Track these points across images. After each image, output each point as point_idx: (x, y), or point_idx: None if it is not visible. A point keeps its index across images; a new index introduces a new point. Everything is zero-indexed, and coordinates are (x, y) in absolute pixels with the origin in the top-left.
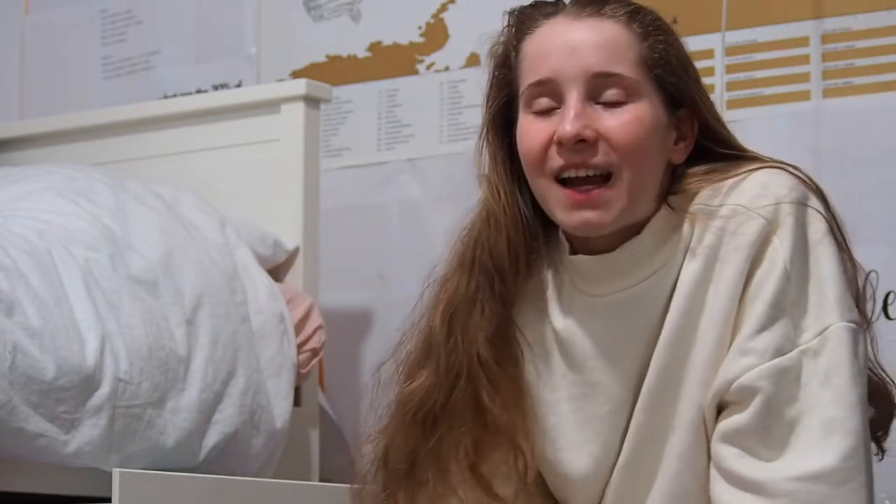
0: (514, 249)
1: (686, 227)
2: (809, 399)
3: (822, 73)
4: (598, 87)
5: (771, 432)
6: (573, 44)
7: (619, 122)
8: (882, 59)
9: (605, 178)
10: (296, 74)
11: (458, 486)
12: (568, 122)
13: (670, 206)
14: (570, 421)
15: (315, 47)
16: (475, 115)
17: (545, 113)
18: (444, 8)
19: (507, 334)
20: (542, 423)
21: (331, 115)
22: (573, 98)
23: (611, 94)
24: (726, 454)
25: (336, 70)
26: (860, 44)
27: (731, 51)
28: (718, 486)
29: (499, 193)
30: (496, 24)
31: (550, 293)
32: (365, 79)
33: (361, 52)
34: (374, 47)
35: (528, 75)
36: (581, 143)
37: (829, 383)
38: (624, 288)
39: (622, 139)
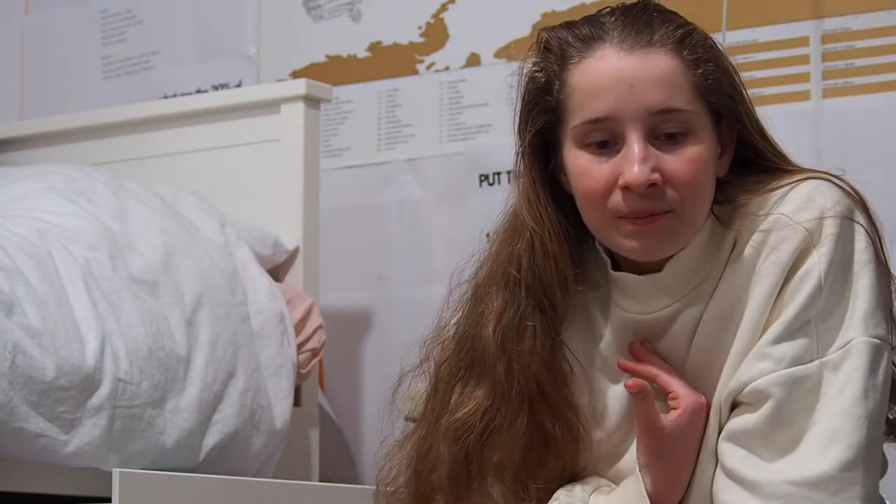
0: (563, 273)
1: (730, 237)
2: (821, 410)
3: (822, 73)
4: (657, 124)
5: (777, 437)
6: (628, 80)
7: (681, 163)
8: (882, 59)
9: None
10: (296, 74)
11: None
12: (636, 168)
13: (716, 217)
14: (618, 435)
15: (315, 47)
16: (475, 115)
17: (600, 149)
18: (444, 8)
19: (559, 356)
20: (591, 433)
21: (331, 115)
22: (635, 139)
23: (669, 128)
24: (731, 453)
25: (336, 70)
26: (860, 44)
27: (731, 51)
28: (719, 483)
29: (542, 218)
30: (496, 24)
31: (593, 308)
32: (365, 79)
33: (361, 52)
34: (374, 47)
35: (581, 111)
36: (651, 188)
37: (842, 395)
38: (668, 305)
39: (685, 180)
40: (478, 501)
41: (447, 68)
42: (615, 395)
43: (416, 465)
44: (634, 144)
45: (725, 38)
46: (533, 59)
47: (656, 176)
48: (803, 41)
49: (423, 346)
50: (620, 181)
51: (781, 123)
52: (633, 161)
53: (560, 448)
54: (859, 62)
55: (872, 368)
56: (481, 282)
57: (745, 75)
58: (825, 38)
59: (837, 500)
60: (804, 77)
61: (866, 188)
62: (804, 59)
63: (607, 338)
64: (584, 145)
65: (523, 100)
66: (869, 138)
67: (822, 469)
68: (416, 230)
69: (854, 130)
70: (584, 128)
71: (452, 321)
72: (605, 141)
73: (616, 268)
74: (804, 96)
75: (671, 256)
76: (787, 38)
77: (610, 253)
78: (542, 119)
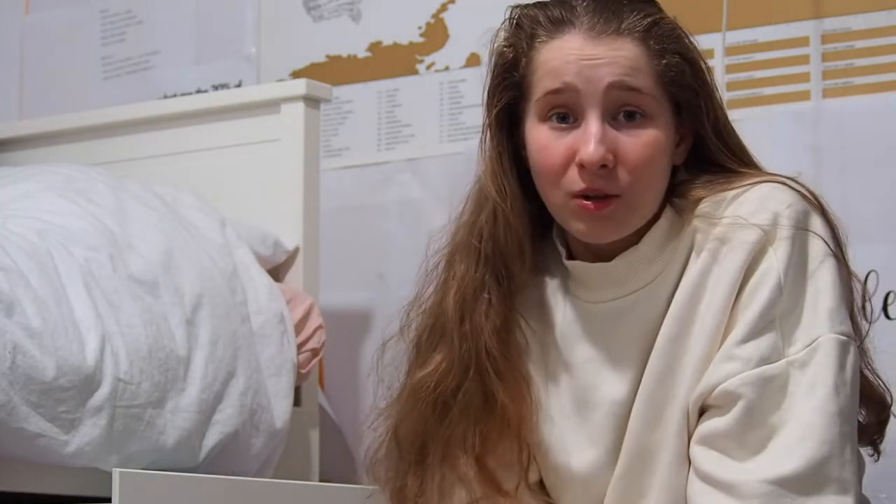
0: (521, 246)
1: (686, 235)
2: (792, 408)
3: (822, 73)
4: (615, 104)
5: (749, 437)
6: (592, 60)
7: (636, 146)
8: (882, 59)
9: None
10: (296, 74)
11: (465, 476)
12: (592, 146)
13: (673, 210)
14: (569, 424)
15: (315, 47)
16: (475, 115)
17: (560, 124)
18: (444, 8)
19: (513, 327)
20: (543, 423)
21: (331, 115)
22: (593, 117)
23: (628, 111)
24: (703, 456)
25: (336, 70)
26: (860, 44)
27: (731, 51)
28: (694, 487)
29: (505, 192)
30: (496, 24)
31: (548, 296)
32: (365, 79)
33: (361, 52)
34: (374, 47)
35: (544, 84)
36: (602, 168)
37: (813, 393)
38: (622, 296)
39: (638, 163)
40: (449, 482)
41: (447, 68)
42: (563, 389)
43: (395, 432)
44: (592, 122)
45: (725, 39)
46: (503, 35)
47: (609, 157)
48: (803, 41)
49: (403, 314)
50: (577, 158)
51: (781, 123)
52: (590, 139)
53: (507, 418)
54: (859, 62)
55: (841, 365)
56: (452, 250)
57: (745, 75)
58: (825, 38)
59: (814, 496)
60: (804, 77)
61: (866, 188)
62: (804, 59)
63: (561, 327)
64: (545, 118)
65: (492, 74)
66: (869, 138)
67: (797, 466)
68: (416, 230)
69: (854, 130)
70: (546, 99)
71: (430, 289)
72: (566, 115)
73: (571, 258)
74: (804, 96)
75: (626, 247)
76: (787, 38)
77: (566, 243)
78: (508, 95)
